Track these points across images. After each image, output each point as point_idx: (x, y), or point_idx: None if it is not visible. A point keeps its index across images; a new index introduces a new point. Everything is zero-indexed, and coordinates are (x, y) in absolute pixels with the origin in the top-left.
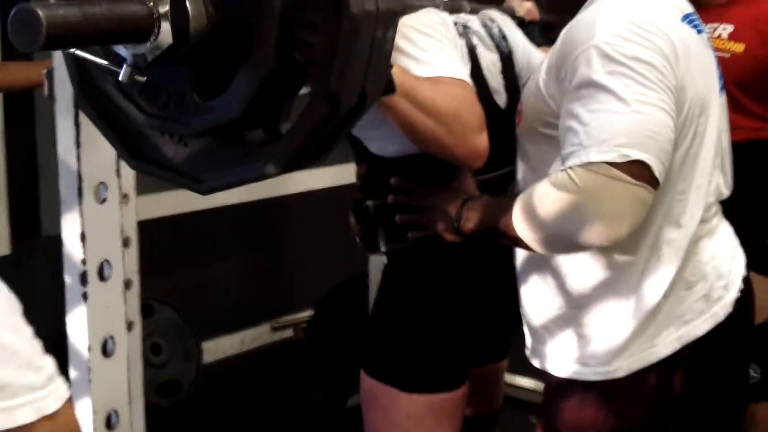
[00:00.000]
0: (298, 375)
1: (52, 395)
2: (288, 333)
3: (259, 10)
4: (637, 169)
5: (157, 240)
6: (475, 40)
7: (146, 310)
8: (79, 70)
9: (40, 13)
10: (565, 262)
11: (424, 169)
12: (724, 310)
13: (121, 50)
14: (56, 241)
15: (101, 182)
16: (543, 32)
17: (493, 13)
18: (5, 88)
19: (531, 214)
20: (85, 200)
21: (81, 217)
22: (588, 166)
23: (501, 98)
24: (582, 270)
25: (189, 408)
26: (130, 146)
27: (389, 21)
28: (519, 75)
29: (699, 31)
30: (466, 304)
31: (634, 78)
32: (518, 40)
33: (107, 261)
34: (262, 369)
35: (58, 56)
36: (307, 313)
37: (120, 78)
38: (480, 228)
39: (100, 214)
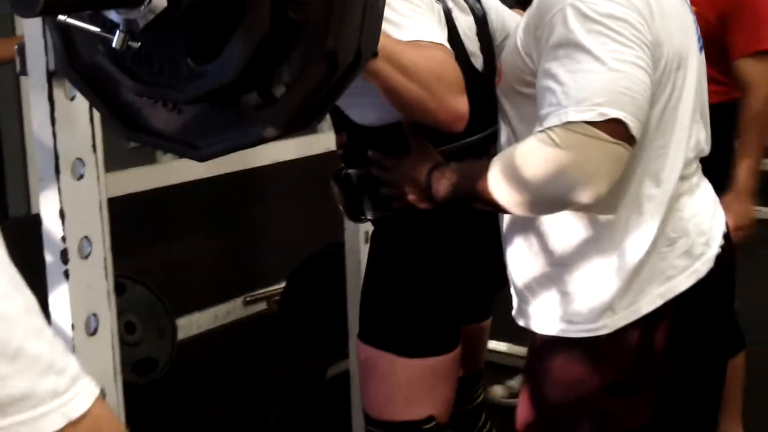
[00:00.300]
0: (274, 348)
1: (79, 396)
2: (261, 306)
3: None
4: (615, 127)
5: (126, 217)
6: (450, 4)
7: (118, 289)
8: (65, 43)
9: None
10: (548, 221)
11: (405, 137)
12: (705, 266)
13: (113, 15)
14: (24, 222)
15: (78, 158)
16: None
17: None
18: None
19: (510, 175)
20: (62, 177)
21: (59, 195)
22: (567, 125)
23: (478, 61)
24: (565, 229)
25: (165, 385)
26: (122, 117)
27: None
28: (493, 36)
29: None
30: (454, 266)
31: (609, 36)
32: (491, 1)
33: (87, 238)
34: (237, 343)
35: (29, 32)
36: (279, 286)
37: (113, 44)
38: (453, 194)
39: (78, 190)
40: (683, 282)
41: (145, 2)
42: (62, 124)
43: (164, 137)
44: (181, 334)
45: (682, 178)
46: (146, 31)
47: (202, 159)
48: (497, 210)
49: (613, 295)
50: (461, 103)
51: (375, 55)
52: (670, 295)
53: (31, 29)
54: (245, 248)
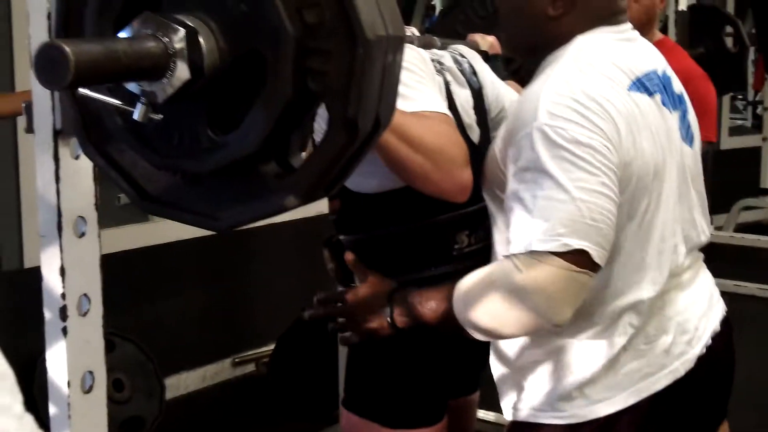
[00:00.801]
0: (262, 410)
1: None
2: (250, 367)
3: (273, 41)
4: (578, 257)
5: (116, 275)
6: (449, 77)
7: (108, 346)
8: (81, 115)
9: (68, 49)
10: None
11: (402, 203)
12: (684, 366)
13: (133, 87)
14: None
15: (80, 216)
16: (506, 66)
17: (463, 49)
18: None
19: (475, 305)
20: (64, 235)
21: (61, 252)
22: (532, 254)
23: (474, 134)
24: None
25: None
26: (139, 189)
27: (397, 46)
28: (489, 110)
29: (651, 93)
30: (440, 339)
31: (574, 163)
32: (487, 75)
33: (86, 295)
34: (225, 404)
35: (36, 90)
36: (269, 348)
37: (135, 116)
38: (416, 321)
39: (79, 248)
40: (660, 381)
41: (168, 74)
42: (66, 182)
43: (182, 209)
44: (169, 394)
45: (672, 275)
46: (168, 104)
47: (222, 230)
48: (466, 335)
49: (588, 385)
50: (466, 175)
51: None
52: (645, 394)
53: (39, 87)
54: (235, 308)
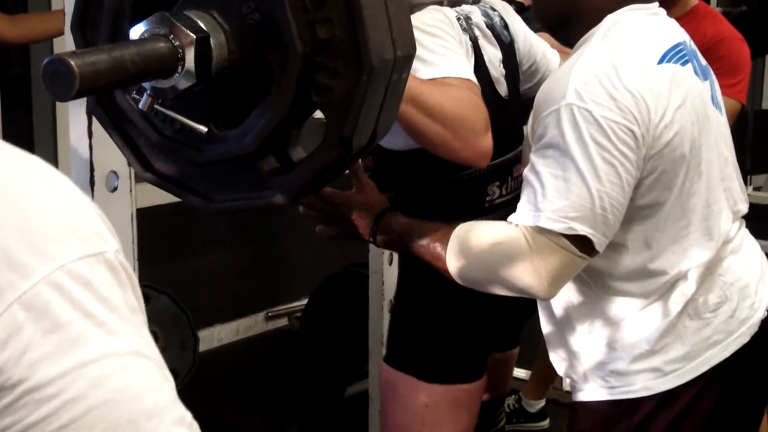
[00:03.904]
0: (293, 364)
1: None
2: (283, 322)
3: (282, 53)
4: (582, 242)
5: (152, 228)
6: (477, 32)
7: (143, 298)
8: None
9: (72, 63)
10: (595, 291)
11: (432, 161)
12: (750, 330)
13: None
14: None
15: (112, 170)
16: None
17: (494, 1)
18: (25, 41)
19: (473, 256)
20: (96, 189)
21: None
22: (540, 229)
23: (502, 87)
24: (616, 298)
25: (184, 397)
26: (143, 159)
27: (405, 64)
28: (520, 63)
29: (683, 63)
30: (482, 295)
31: (596, 149)
32: (519, 28)
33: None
34: (258, 358)
35: (70, 45)
36: (302, 303)
37: (140, 106)
38: (397, 248)
39: (111, 202)
40: (728, 348)
41: (175, 75)
42: (98, 137)
43: (181, 186)
44: (202, 346)
45: (728, 247)
46: (173, 99)
47: (212, 212)
48: (438, 272)
49: (657, 359)
50: (486, 142)
51: None
52: (716, 361)
53: (71, 45)
54: (269, 264)
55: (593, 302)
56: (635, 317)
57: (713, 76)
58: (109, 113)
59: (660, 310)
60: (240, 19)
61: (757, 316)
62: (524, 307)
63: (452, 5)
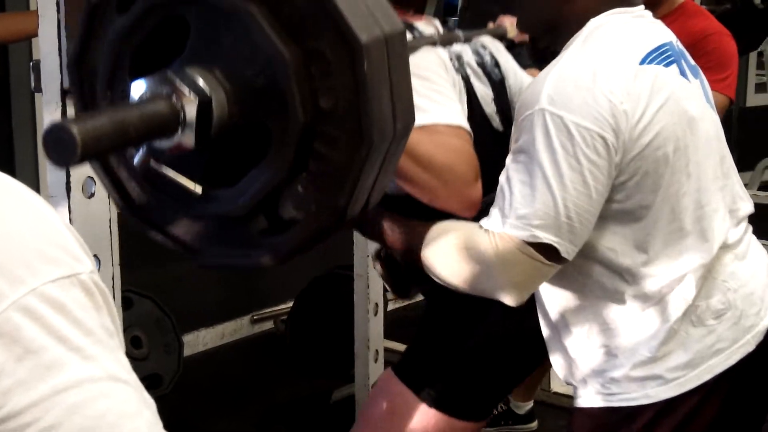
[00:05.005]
0: (279, 368)
1: None
2: (268, 325)
3: (282, 120)
4: (548, 250)
5: (135, 232)
6: (469, 71)
7: (125, 303)
8: (84, 106)
9: (74, 130)
10: (591, 295)
11: (423, 207)
12: (755, 339)
13: None
14: None
15: (89, 176)
16: (532, 54)
17: (485, 40)
18: (1, 40)
19: (444, 259)
20: (73, 195)
21: (69, 213)
22: (506, 235)
23: (496, 122)
24: (612, 304)
25: (170, 402)
26: (130, 201)
27: (403, 135)
28: (512, 99)
29: (667, 65)
30: (521, 350)
31: (564, 157)
32: (510, 65)
33: (96, 256)
34: (243, 362)
35: (44, 49)
36: (287, 306)
37: (135, 163)
38: (379, 241)
39: (89, 208)
40: (732, 356)
41: (175, 138)
42: None
43: (168, 235)
44: (187, 351)
45: (725, 247)
46: (169, 159)
47: (199, 265)
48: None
49: (658, 366)
50: (475, 192)
51: None
52: (719, 370)
53: (47, 47)
54: None
55: (590, 306)
56: (633, 322)
57: (703, 76)
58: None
59: (659, 316)
60: (243, 81)
61: (763, 324)
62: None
63: (446, 44)
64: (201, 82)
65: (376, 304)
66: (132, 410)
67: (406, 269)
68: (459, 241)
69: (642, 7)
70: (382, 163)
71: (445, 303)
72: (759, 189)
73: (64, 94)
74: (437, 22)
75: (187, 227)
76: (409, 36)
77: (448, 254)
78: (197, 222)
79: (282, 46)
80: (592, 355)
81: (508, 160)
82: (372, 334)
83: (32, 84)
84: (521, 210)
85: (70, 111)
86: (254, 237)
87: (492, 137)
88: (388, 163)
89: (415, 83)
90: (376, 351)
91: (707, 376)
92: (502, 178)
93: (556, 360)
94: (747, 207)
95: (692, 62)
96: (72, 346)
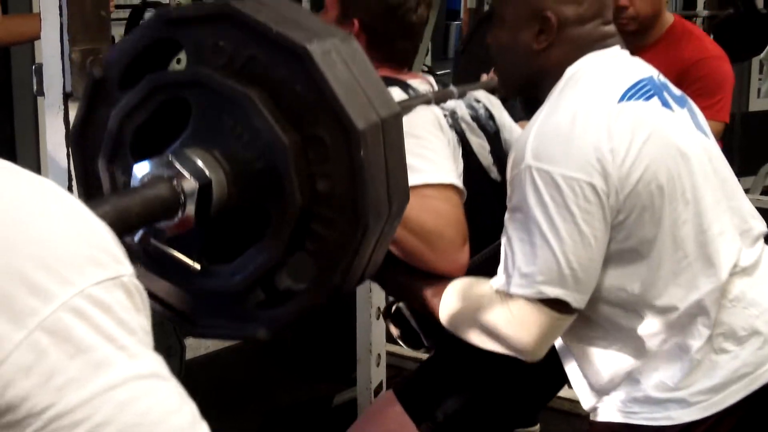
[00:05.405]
0: (281, 371)
1: None
2: None
3: (280, 204)
4: (557, 304)
5: None
6: (463, 126)
7: None
8: (86, 175)
9: None
10: (609, 334)
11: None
12: None
13: None
14: None
15: None
16: (525, 107)
17: (479, 94)
18: (4, 43)
19: (461, 319)
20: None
21: None
22: (515, 295)
23: (493, 173)
24: (631, 340)
25: None
26: None
27: (397, 215)
28: (507, 151)
29: (647, 98)
30: (526, 390)
31: (557, 210)
32: (504, 118)
33: None
34: (245, 366)
35: (47, 52)
36: None
37: (135, 240)
38: (398, 297)
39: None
40: (756, 380)
41: (175, 219)
42: None
43: (165, 304)
44: (190, 354)
45: (739, 270)
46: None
47: (194, 335)
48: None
49: (682, 392)
50: (462, 256)
51: None
52: (743, 394)
53: (49, 50)
54: None
55: (610, 345)
56: (655, 356)
57: (691, 103)
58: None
59: (680, 348)
60: (242, 164)
61: None
62: (552, 389)
63: (439, 101)
64: (201, 163)
65: (379, 308)
66: (175, 407)
67: (417, 323)
68: (474, 304)
69: (617, 47)
70: (377, 241)
71: (452, 352)
72: (762, 193)
73: (66, 97)
74: (431, 78)
75: (184, 299)
76: (404, 95)
77: (465, 318)
78: (195, 294)
79: (281, 132)
80: (614, 382)
81: (506, 218)
82: (374, 338)
83: (34, 87)
84: (524, 268)
85: (73, 115)
86: (251, 310)
87: (491, 188)
88: (383, 240)
89: (408, 142)
90: (378, 355)
91: (730, 401)
92: (503, 238)
93: (576, 386)
94: (760, 226)
95: (677, 93)
96: (119, 345)
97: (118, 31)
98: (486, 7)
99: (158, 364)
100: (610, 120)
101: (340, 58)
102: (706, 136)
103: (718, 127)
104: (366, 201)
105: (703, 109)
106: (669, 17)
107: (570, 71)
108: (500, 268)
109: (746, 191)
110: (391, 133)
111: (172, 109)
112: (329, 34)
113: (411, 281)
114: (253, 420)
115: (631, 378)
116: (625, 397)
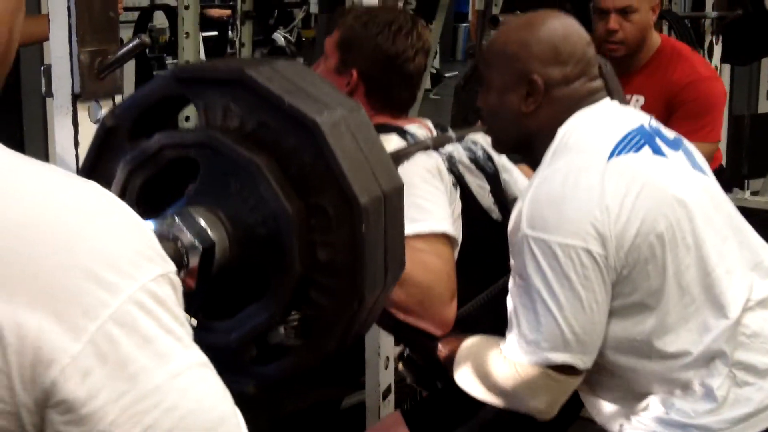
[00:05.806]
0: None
1: None
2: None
3: (280, 269)
4: (564, 367)
5: None
6: (461, 169)
7: None
8: None
9: None
10: (626, 387)
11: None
12: None
13: None
14: None
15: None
16: (525, 158)
17: (476, 136)
18: None
19: (475, 381)
20: None
21: None
22: (523, 362)
23: (494, 213)
24: (652, 386)
25: None
26: None
27: (392, 282)
28: (506, 190)
29: (638, 149)
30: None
31: (555, 277)
32: (503, 159)
33: None
34: None
35: (55, 53)
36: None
37: None
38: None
39: None
40: None
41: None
42: (85, 146)
43: None
44: None
45: (754, 304)
46: None
47: None
48: None
49: (708, 424)
50: (449, 312)
51: None
52: (765, 425)
53: (57, 51)
54: None
55: (631, 392)
56: (677, 398)
57: (686, 144)
58: None
59: (702, 388)
60: (246, 227)
61: None
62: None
63: (438, 146)
64: (204, 224)
65: None
66: (221, 393)
67: (428, 367)
68: (486, 369)
69: (606, 100)
70: (372, 308)
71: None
72: None
73: (74, 98)
74: (429, 123)
75: None
76: (402, 141)
77: (478, 383)
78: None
79: (286, 201)
80: (638, 424)
81: (510, 282)
82: (383, 341)
83: (43, 88)
84: (530, 335)
85: (81, 115)
86: (243, 364)
87: (492, 229)
88: (377, 307)
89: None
90: (387, 358)
91: (752, 430)
92: (509, 304)
93: (596, 414)
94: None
95: (670, 136)
96: (176, 336)
97: (126, 33)
98: (494, 10)
99: (203, 353)
100: (601, 179)
101: (347, 129)
102: (704, 174)
103: (711, 148)
104: (364, 275)
105: (694, 131)
106: (656, 39)
107: (561, 132)
108: (508, 334)
109: (755, 193)
110: (392, 205)
111: (180, 166)
112: (338, 103)
113: (422, 340)
114: (261, 423)
115: (655, 407)
116: (649, 421)
